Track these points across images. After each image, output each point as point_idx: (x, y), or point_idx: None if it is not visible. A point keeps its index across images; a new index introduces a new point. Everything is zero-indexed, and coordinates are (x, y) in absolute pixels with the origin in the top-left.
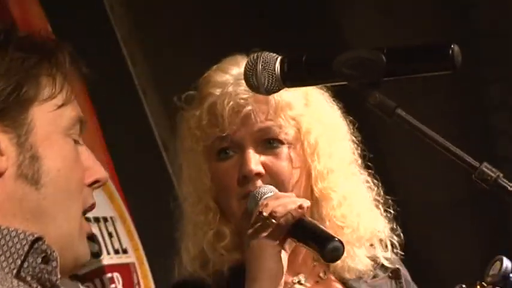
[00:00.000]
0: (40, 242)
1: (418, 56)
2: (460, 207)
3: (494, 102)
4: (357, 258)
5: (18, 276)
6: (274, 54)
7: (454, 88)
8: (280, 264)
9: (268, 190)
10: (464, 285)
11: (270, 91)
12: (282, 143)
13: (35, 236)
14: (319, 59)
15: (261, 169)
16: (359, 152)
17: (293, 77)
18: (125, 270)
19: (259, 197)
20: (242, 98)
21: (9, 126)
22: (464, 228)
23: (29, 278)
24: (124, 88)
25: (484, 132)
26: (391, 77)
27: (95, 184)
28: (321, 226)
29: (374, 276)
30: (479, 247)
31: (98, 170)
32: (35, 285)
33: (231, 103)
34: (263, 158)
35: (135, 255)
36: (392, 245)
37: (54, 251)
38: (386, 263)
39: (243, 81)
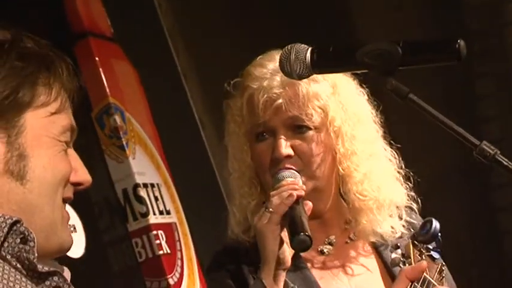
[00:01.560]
0: (18, 225)
1: (429, 49)
2: (450, 178)
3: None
4: (375, 223)
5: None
6: (305, 46)
7: (450, 80)
8: (282, 246)
9: (288, 174)
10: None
11: (301, 76)
12: (309, 128)
13: (14, 219)
14: (344, 50)
15: (290, 151)
16: (382, 132)
17: (321, 65)
18: (168, 228)
19: (281, 178)
20: (275, 93)
21: (1, 126)
22: (452, 196)
23: (8, 257)
24: (168, 72)
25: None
26: (405, 66)
27: (78, 186)
28: (303, 218)
29: (400, 237)
30: (463, 213)
31: (84, 174)
32: (14, 263)
33: (265, 96)
34: (292, 141)
35: (176, 217)
36: (412, 210)
37: (31, 233)
38: (403, 229)
39: (278, 75)
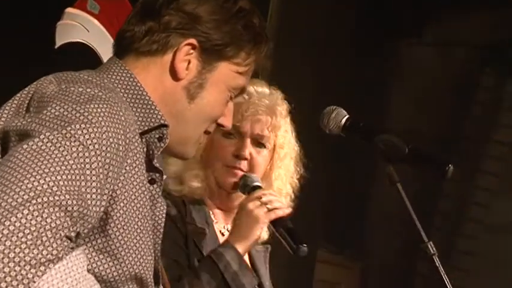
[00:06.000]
0: (164, 128)
1: (426, 161)
2: None
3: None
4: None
5: (140, 136)
6: (345, 113)
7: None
8: (258, 237)
9: (255, 178)
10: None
11: (330, 131)
12: (265, 147)
13: (165, 122)
14: (369, 129)
15: (248, 156)
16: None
17: (348, 131)
18: None
19: (248, 180)
20: (260, 109)
21: (201, 60)
22: None
23: (144, 140)
24: None
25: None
26: (404, 163)
27: (220, 126)
28: (296, 230)
29: (262, 243)
30: None
31: (228, 121)
32: (144, 146)
33: (252, 109)
34: (252, 149)
35: None
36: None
37: (167, 138)
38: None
39: (266, 99)
